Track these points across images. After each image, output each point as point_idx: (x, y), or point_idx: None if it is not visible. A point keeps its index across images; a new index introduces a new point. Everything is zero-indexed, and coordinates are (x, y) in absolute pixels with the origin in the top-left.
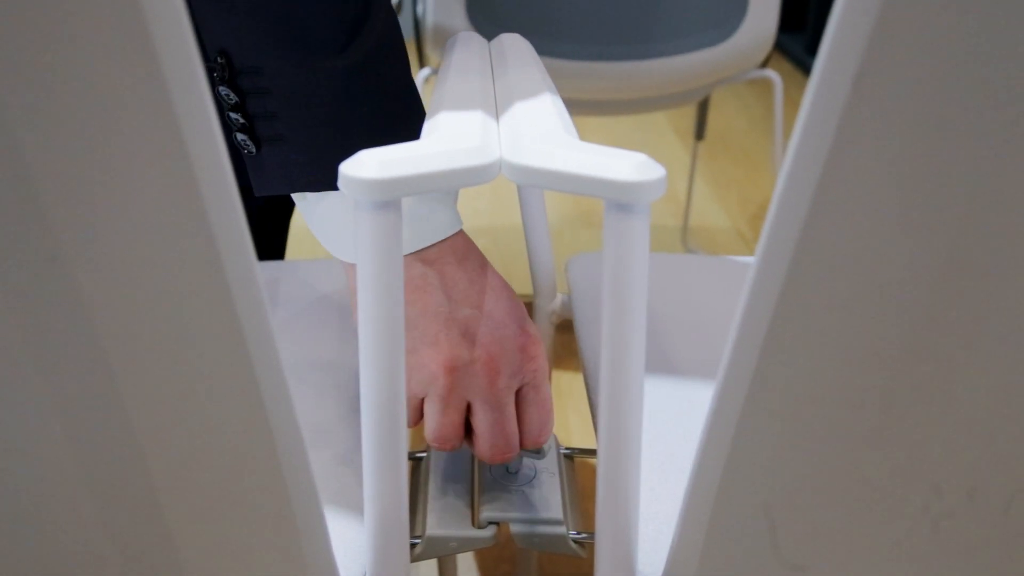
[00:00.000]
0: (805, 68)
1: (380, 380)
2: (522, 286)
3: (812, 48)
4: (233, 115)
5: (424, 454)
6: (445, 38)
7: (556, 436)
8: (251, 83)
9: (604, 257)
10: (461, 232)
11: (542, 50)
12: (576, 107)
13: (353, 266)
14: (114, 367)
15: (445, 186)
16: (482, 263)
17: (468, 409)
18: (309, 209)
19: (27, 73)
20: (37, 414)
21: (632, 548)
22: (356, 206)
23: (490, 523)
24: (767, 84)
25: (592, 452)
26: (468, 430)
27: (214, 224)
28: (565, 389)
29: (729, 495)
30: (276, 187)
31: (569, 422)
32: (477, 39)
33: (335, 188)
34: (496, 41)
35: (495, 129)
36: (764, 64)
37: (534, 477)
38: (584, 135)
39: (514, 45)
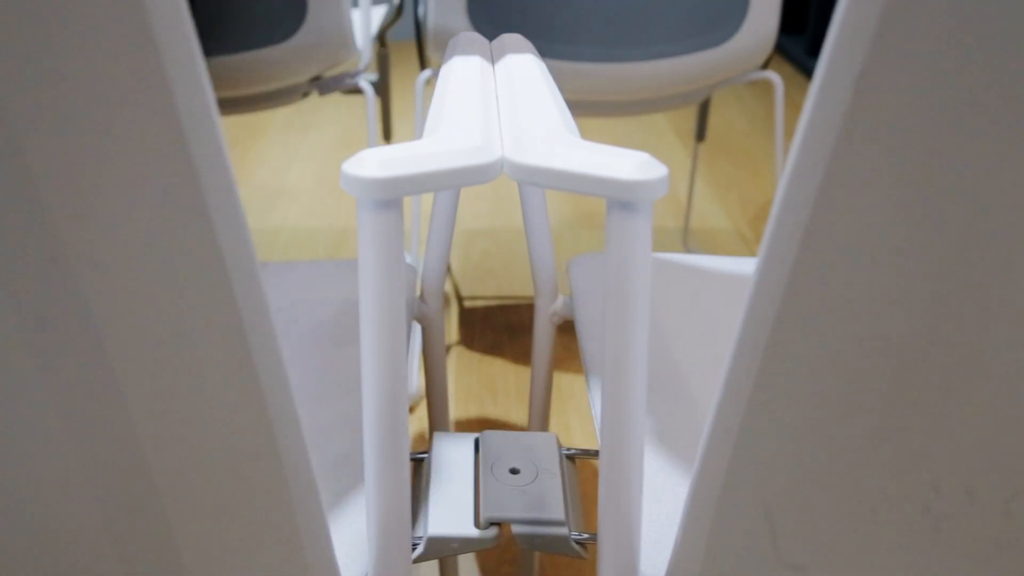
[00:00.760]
0: (806, 70)
1: (382, 380)
2: (524, 287)
3: (813, 50)
4: None
5: (425, 455)
6: (446, 39)
7: (557, 437)
8: None
9: (606, 256)
10: None
11: (543, 51)
12: (576, 108)
13: None
14: (115, 367)
15: (446, 185)
16: None
17: None
18: None
19: (29, 73)
20: (38, 414)
21: (635, 549)
22: (358, 205)
23: (492, 523)
24: (768, 86)
25: (594, 453)
26: None
27: (216, 224)
28: (566, 390)
29: (731, 496)
30: None
31: (570, 423)
32: (479, 39)
33: None
34: (498, 41)
35: (496, 128)
36: (765, 66)
37: (536, 478)
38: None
39: (516, 45)
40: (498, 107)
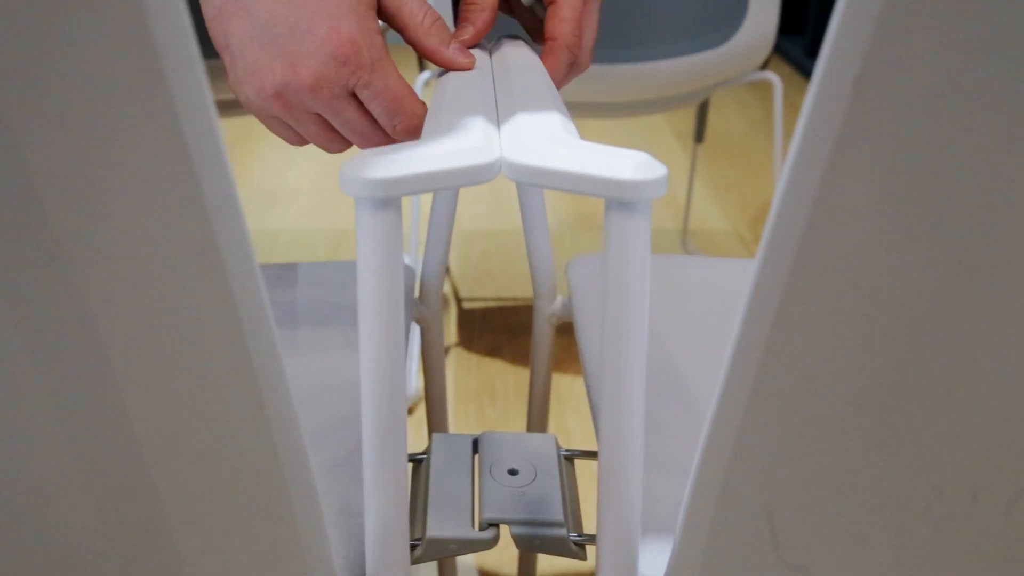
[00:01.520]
0: (805, 71)
1: (380, 381)
2: (523, 289)
3: (812, 51)
4: None
5: (424, 456)
6: None
7: (556, 437)
8: None
9: (605, 256)
10: None
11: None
12: (575, 109)
13: None
14: (114, 367)
15: (445, 185)
16: None
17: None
18: None
19: (29, 73)
20: (36, 414)
21: (634, 550)
22: (356, 205)
23: (490, 524)
24: (767, 87)
25: (593, 454)
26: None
27: (215, 224)
28: (565, 392)
29: (731, 497)
30: None
31: (569, 424)
32: None
33: None
34: (496, 43)
35: (495, 129)
36: (764, 67)
37: (534, 479)
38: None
39: (515, 47)
40: (497, 108)
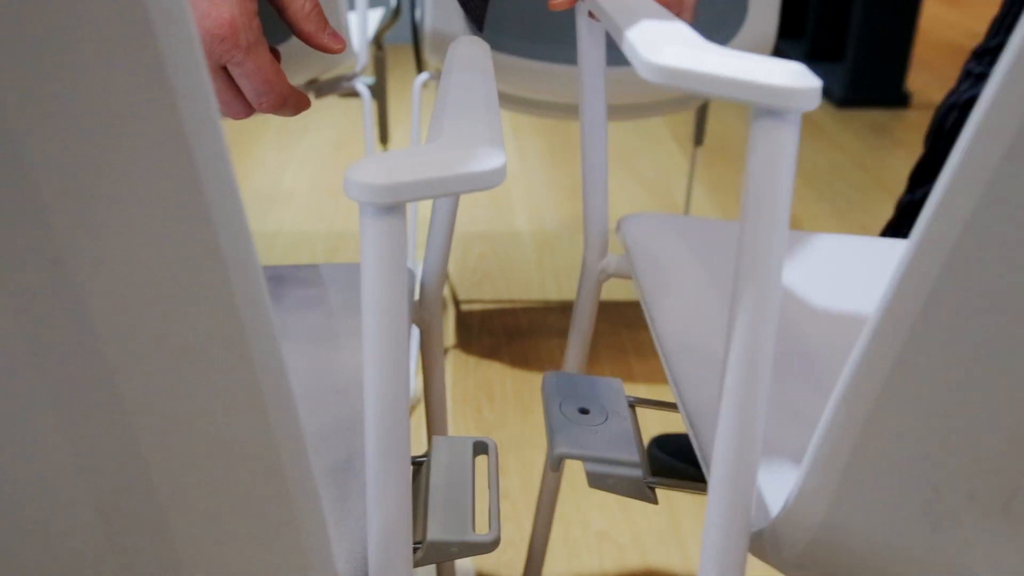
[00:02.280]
0: None
1: (384, 384)
2: (521, 291)
3: (811, 54)
4: None
5: (424, 459)
6: (443, 43)
7: (622, 381)
8: None
9: (747, 170)
10: None
11: (540, 55)
12: (575, 112)
13: None
14: (115, 369)
15: (451, 191)
16: None
17: None
18: None
19: (30, 74)
20: (36, 415)
21: (750, 499)
22: (361, 211)
23: (562, 460)
24: None
25: (653, 403)
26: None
27: (217, 227)
28: None
29: (865, 455)
30: None
31: None
32: (479, 43)
33: None
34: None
35: (500, 133)
36: None
37: (606, 419)
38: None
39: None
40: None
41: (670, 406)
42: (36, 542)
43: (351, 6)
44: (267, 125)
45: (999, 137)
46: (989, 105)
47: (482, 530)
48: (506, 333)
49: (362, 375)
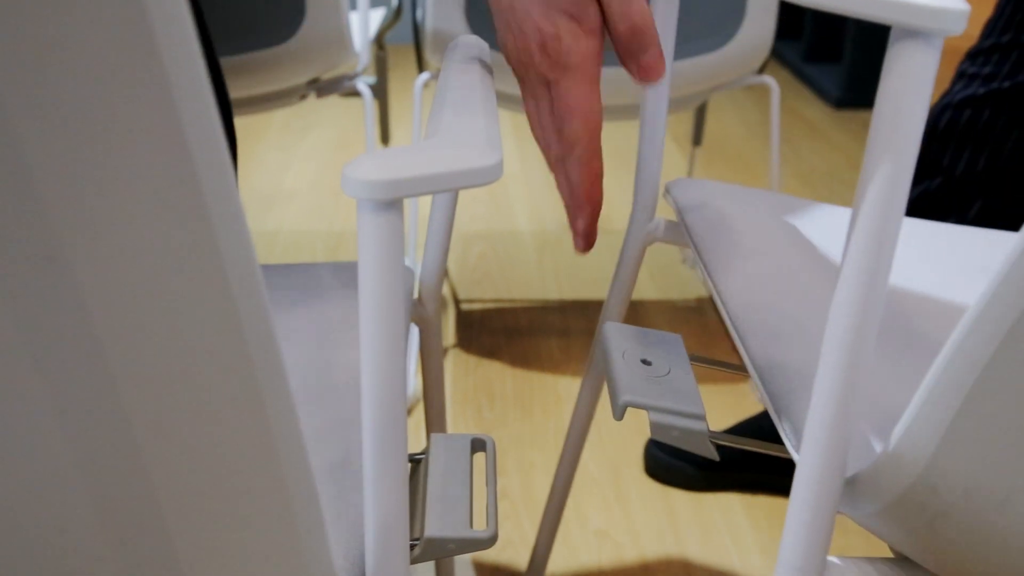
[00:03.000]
0: (802, 75)
1: (381, 381)
2: (521, 290)
3: (809, 55)
4: None
5: (422, 456)
6: (444, 43)
7: (681, 337)
8: None
9: (878, 99)
10: None
11: None
12: None
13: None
14: (114, 368)
15: (448, 187)
16: None
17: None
18: None
19: (29, 73)
20: (34, 415)
21: (844, 450)
22: (358, 207)
23: (626, 408)
24: (764, 90)
25: (712, 362)
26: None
27: (215, 224)
28: (564, 393)
29: (983, 392)
30: None
31: (567, 425)
32: (478, 42)
33: None
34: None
35: (497, 130)
36: (761, 71)
37: (669, 371)
38: None
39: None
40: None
41: (728, 365)
42: (34, 544)
43: (353, 6)
44: (269, 124)
45: None
46: None
47: (480, 527)
48: (506, 332)
49: (359, 372)
